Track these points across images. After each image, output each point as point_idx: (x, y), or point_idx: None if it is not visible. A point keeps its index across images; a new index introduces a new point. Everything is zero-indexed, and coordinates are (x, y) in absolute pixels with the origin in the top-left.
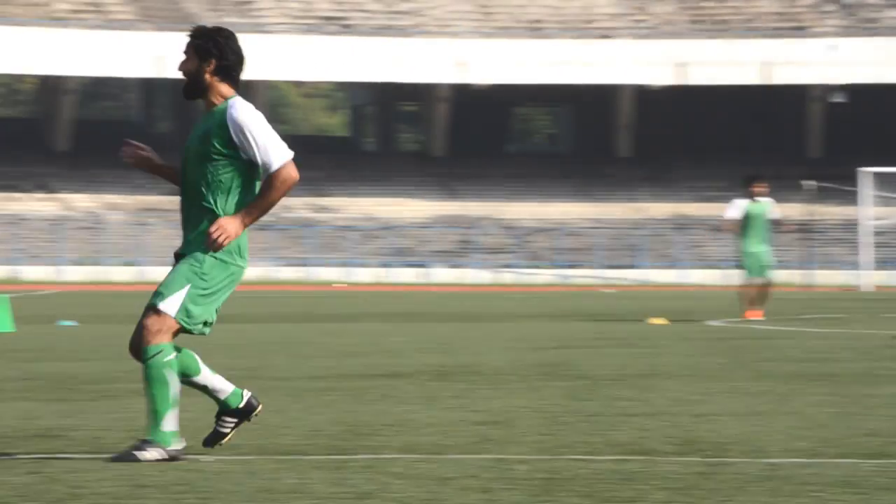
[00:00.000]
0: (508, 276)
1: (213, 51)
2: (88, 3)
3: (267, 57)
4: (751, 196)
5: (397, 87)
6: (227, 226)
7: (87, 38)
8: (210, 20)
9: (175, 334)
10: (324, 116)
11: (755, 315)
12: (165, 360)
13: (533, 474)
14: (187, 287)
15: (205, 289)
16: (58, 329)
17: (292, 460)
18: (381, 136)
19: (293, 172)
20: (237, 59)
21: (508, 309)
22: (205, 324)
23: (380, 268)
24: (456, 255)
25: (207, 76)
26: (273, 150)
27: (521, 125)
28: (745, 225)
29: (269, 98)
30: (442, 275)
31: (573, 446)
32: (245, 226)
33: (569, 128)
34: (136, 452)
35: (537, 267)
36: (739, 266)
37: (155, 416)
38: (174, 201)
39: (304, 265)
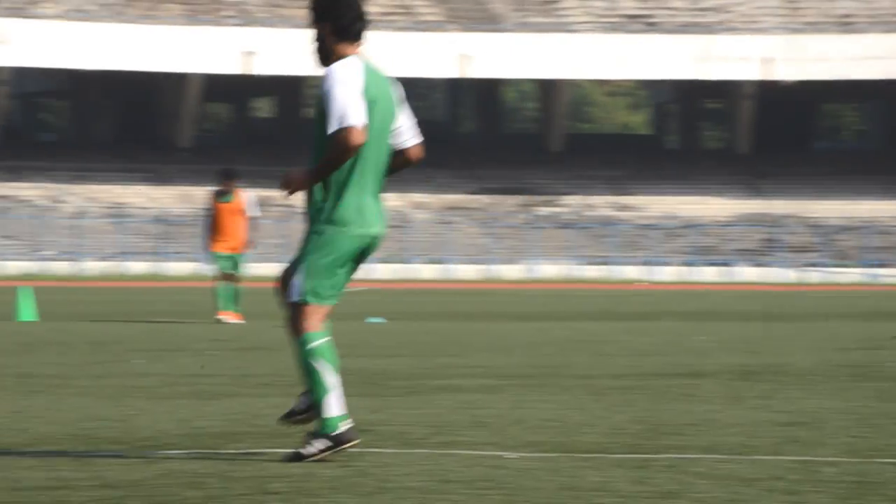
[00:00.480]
0: (814, 276)
1: (328, 12)
2: (398, 6)
3: (571, 56)
4: None
5: (701, 85)
6: (292, 175)
7: (395, 40)
8: (515, 20)
9: (323, 316)
10: (627, 115)
11: None
12: (308, 348)
13: (842, 477)
14: (305, 266)
15: (321, 261)
16: (366, 326)
17: (595, 458)
18: (685, 133)
19: (348, 139)
20: (354, 17)
21: (814, 308)
22: (338, 296)
23: (682, 266)
24: (760, 254)
25: (328, 39)
26: (336, 116)
27: (829, 122)
28: None
29: (573, 96)
30: (745, 273)
31: (885, 449)
32: (309, 181)
33: (878, 124)
34: (302, 450)
35: (844, 266)
36: None
37: (316, 406)
38: (479, 200)
39: (606, 263)
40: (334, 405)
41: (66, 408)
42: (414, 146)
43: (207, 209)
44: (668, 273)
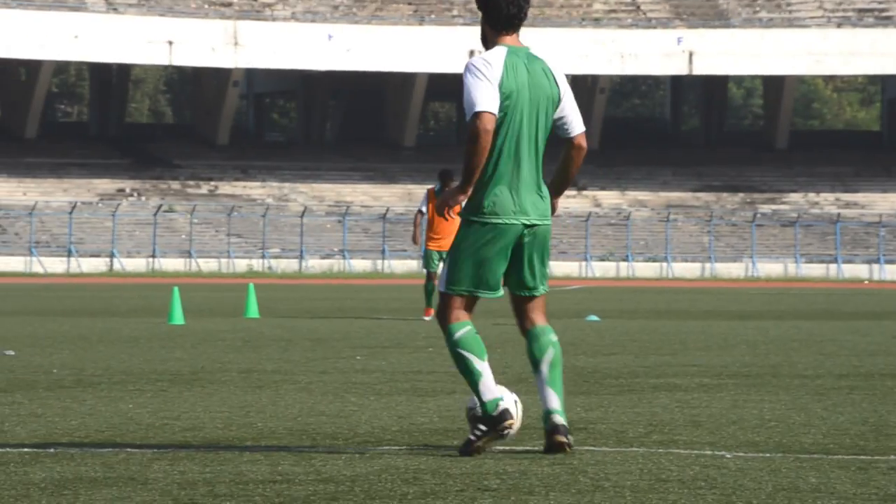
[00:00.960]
0: None
1: (483, 3)
2: (625, 3)
3: (799, 51)
4: None
5: None
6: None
7: (622, 37)
8: (744, 16)
9: (467, 307)
10: (855, 111)
11: None
12: (452, 339)
13: None
14: (448, 257)
15: (461, 251)
16: (584, 324)
17: (815, 459)
18: None
19: (477, 126)
20: (505, 7)
21: None
22: (484, 286)
23: None
24: None
25: (484, 29)
26: (466, 105)
27: None
28: None
29: (800, 92)
30: None
31: None
32: (461, 188)
33: None
34: (471, 436)
35: None
36: None
37: (475, 394)
38: (700, 197)
39: (830, 262)
40: (486, 390)
41: (288, 403)
42: (576, 136)
43: (422, 207)
44: (893, 272)
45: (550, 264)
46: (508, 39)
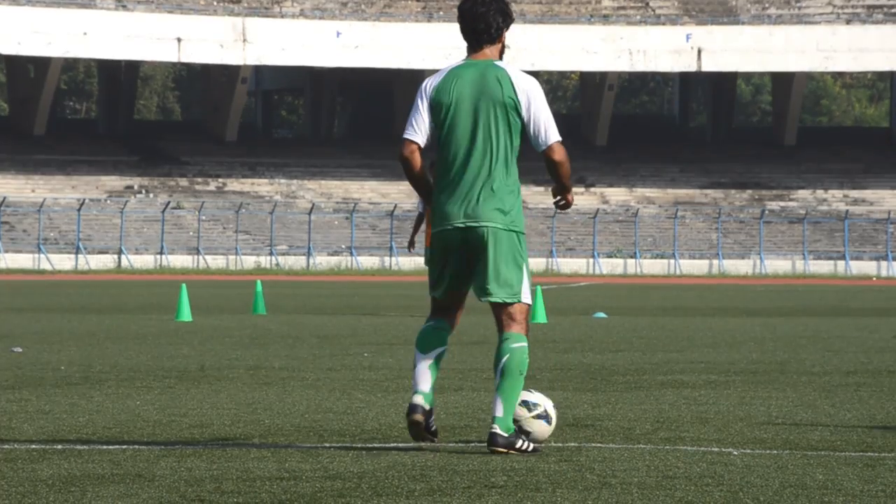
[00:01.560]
0: None
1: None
2: (635, 0)
3: (808, 48)
4: None
5: None
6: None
7: (631, 34)
8: (753, 12)
9: (440, 308)
10: (864, 107)
11: None
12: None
13: None
14: None
15: (426, 255)
16: (591, 321)
17: (822, 456)
18: None
19: (398, 153)
20: (462, 25)
21: None
22: (433, 288)
23: None
24: None
25: None
26: None
27: None
28: None
29: (809, 89)
30: None
31: None
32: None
33: None
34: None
35: None
36: None
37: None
38: (708, 194)
39: (838, 259)
40: (415, 381)
41: (295, 400)
42: (545, 149)
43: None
44: None
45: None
46: (475, 55)
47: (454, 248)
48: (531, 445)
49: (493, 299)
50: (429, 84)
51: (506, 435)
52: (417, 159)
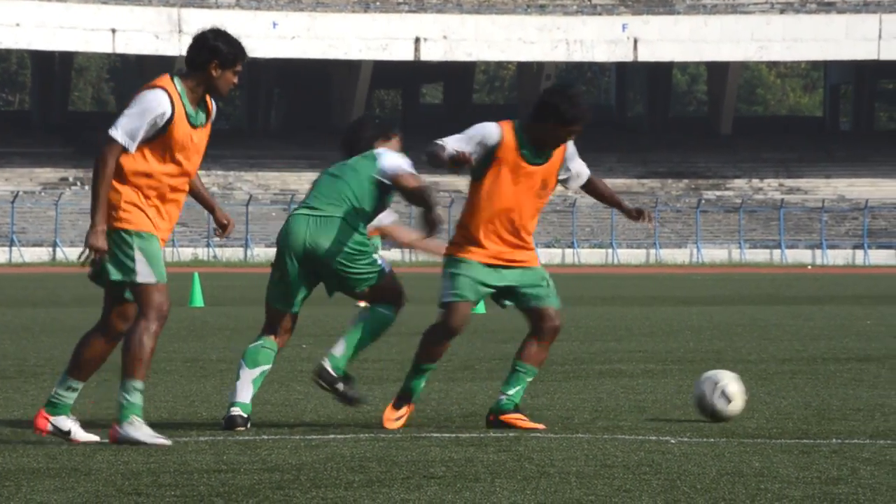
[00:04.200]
0: None
1: None
2: None
3: (743, 38)
4: None
5: (876, 65)
6: None
7: (566, 24)
8: (688, 2)
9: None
10: (798, 97)
11: None
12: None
13: None
14: None
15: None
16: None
17: (758, 444)
18: (858, 115)
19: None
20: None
21: None
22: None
23: (852, 250)
24: None
25: None
26: None
27: None
28: None
29: (744, 78)
30: None
31: None
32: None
33: None
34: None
35: None
36: None
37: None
38: (645, 184)
39: (774, 247)
40: (234, 389)
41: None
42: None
43: None
44: (836, 257)
45: None
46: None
47: (284, 265)
48: (353, 394)
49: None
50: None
51: (333, 373)
52: None
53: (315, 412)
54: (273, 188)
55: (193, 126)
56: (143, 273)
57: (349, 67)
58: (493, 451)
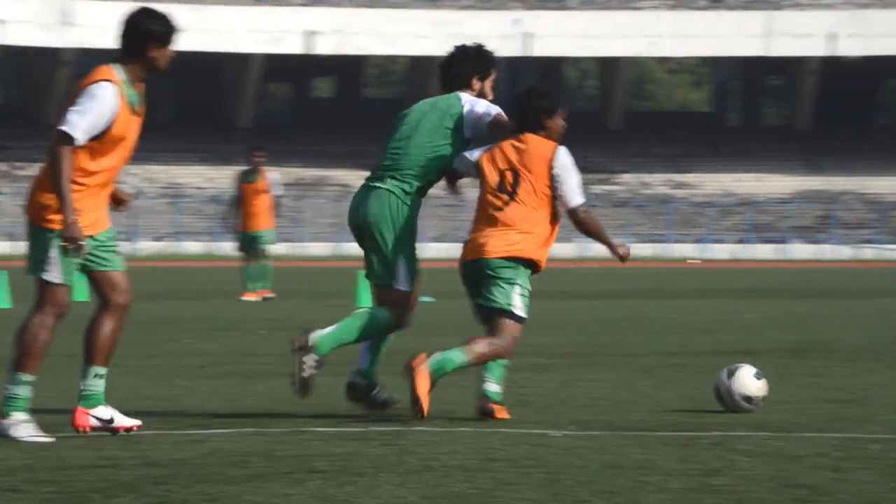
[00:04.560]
0: (869, 252)
1: None
2: None
3: (634, 34)
4: None
5: (764, 61)
6: None
7: (458, 18)
8: None
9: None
10: (688, 92)
11: None
12: None
13: (888, 454)
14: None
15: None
16: (419, 304)
17: (640, 436)
18: (746, 110)
19: None
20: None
21: (868, 286)
22: None
23: (737, 244)
24: (816, 231)
25: None
26: None
27: (891, 98)
28: None
29: (634, 74)
30: (800, 251)
31: None
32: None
33: None
34: None
35: None
36: None
37: None
38: None
39: (661, 241)
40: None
41: (115, 387)
42: None
43: (234, 190)
44: (722, 251)
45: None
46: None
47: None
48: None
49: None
50: None
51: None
52: None
53: (198, 407)
54: (160, 181)
55: (135, 113)
56: (55, 273)
57: (240, 61)
58: (377, 446)
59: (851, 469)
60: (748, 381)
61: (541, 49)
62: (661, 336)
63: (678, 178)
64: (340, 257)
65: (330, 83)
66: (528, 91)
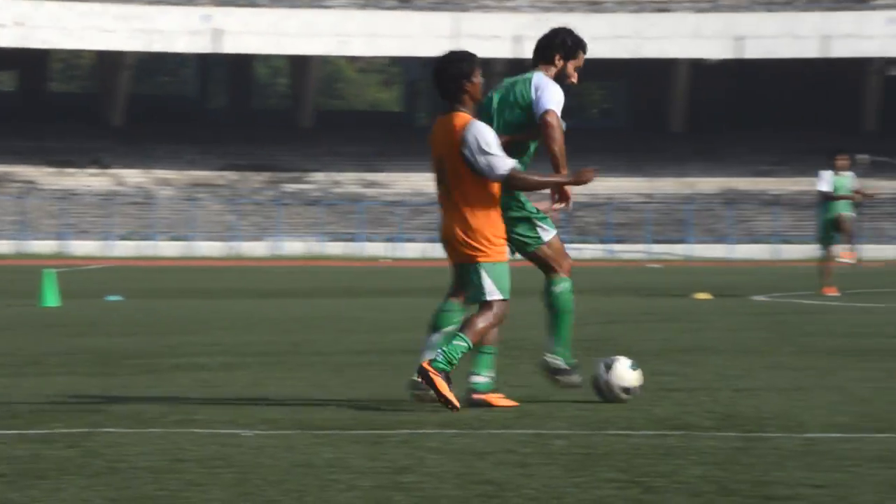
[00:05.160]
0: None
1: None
2: None
3: (323, 32)
4: (834, 169)
5: None
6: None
7: (148, 13)
8: None
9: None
10: (378, 91)
11: (832, 291)
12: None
13: (570, 449)
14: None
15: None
16: (104, 304)
17: (330, 435)
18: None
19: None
20: None
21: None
22: None
23: (427, 243)
24: None
25: None
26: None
27: (576, 100)
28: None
29: (324, 73)
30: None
31: (612, 421)
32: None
33: (623, 102)
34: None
35: (584, 242)
36: (821, 240)
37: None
38: (225, 176)
39: (351, 240)
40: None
41: None
42: None
43: None
44: (412, 249)
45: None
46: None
47: None
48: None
49: None
50: None
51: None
52: None
53: None
54: None
55: None
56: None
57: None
58: (61, 448)
59: (536, 464)
60: (625, 373)
61: (231, 46)
62: (352, 334)
63: (369, 177)
64: (24, 255)
65: (12, 77)
66: (442, 58)
